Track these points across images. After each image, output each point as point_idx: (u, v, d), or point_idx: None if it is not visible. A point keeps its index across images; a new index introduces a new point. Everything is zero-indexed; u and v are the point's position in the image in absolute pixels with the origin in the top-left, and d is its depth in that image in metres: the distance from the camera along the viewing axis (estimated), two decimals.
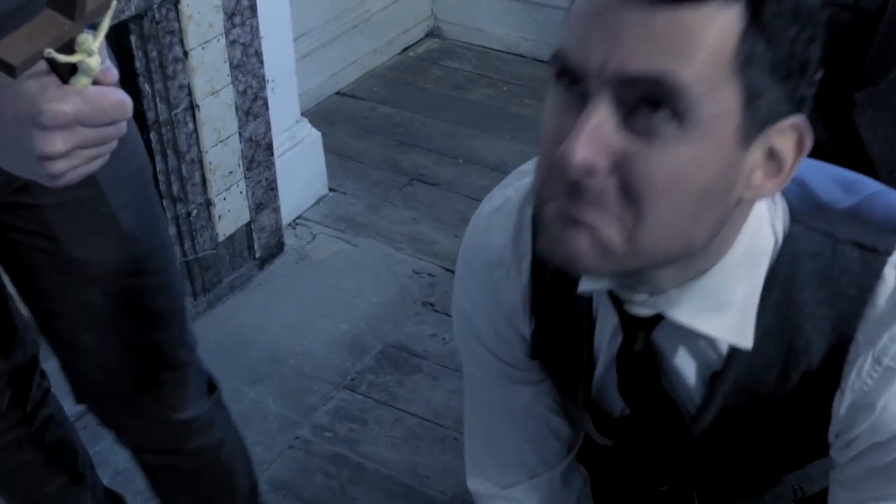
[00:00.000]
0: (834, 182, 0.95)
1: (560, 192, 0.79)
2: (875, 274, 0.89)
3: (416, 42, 3.58)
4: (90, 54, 0.76)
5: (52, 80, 0.78)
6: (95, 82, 0.79)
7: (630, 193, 0.77)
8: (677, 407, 1.02)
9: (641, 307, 0.92)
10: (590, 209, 0.78)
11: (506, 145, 3.00)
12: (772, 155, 0.82)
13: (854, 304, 0.90)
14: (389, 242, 2.62)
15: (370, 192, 2.81)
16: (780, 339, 0.92)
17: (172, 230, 2.20)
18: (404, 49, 3.53)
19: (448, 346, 2.28)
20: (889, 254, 0.89)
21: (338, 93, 3.28)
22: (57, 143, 0.79)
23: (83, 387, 1.40)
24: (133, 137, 1.23)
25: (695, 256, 0.85)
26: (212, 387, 1.51)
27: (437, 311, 2.39)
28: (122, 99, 0.81)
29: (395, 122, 3.13)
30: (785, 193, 0.92)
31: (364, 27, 3.33)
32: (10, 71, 0.73)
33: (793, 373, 0.94)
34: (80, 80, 0.78)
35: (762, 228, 0.90)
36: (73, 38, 0.76)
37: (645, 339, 0.96)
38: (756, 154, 0.81)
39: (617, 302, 0.95)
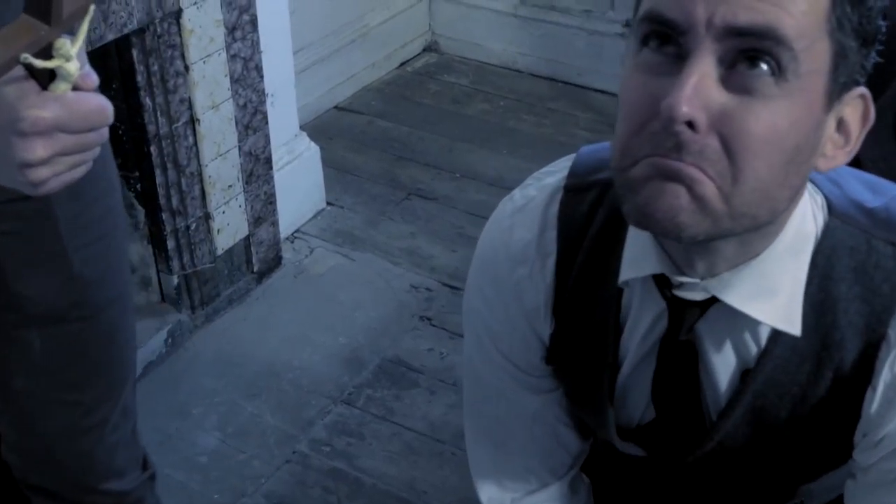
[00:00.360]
0: (861, 183, 0.98)
1: (654, 150, 0.80)
2: None
3: (414, 57, 3.59)
4: (68, 59, 0.76)
5: (32, 85, 0.77)
6: (75, 88, 0.79)
7: (729, 150, 0.79)
8: (702, 411, 1.02)
9: (693, 291, 0.92)
10: (689, 165, 0.79)
11: (503, 160, 3.01)
12: (840, 125, 0.86)
13: (887, 300, 0.92)
14: (387, 257, 2.62)
15: (368, 206, 2.82)
16: (815, 334, 0.94)
17: (171, 244, 2.21)
18: (402, 63, 3.55)
19: (445, 360, 2.29)
20: None
21: (336, 107, 3.29)
22: (37, 149, 0.78)
23: (7, 439, 1.30)
24: (105, 179, 1.18)
25: (759, 232, 0.87)
26: (146, 464, 1.42)
27: (434, 326, 2.40)
28: (102, 104, 0.80)
29: (393, 137, 3.14)
30: (821, 188, 0.95)
31: (362, 42, 3.34)
32: None
33: (825, 369, 0.95)
34: (60, 86, 0.77)
35: (807, 214, 0.92)
36: (50, 44, 0.75)
37: (691, 326, 0.96)
38: (831, 122, 0.85)
39: (663, 286, 0.95)
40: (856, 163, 1.60)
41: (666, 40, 0.81)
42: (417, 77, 3.50)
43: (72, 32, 0.77)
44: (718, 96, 0.78)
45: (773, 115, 0.79)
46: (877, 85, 1.56)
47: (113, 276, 1.23)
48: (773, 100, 0.79)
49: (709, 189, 0.80)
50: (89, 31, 0.78)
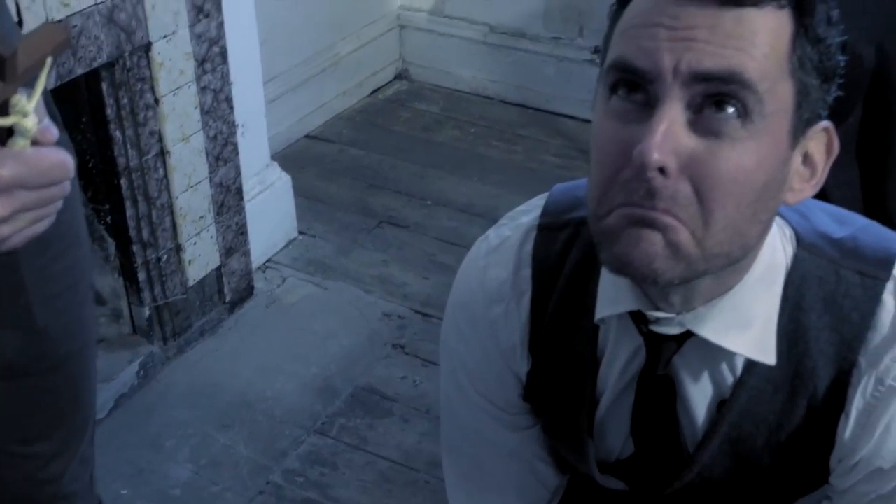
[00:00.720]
0: (828, 215, 1.01)
1: (627, 199, 0.83)
2: (875, 299, 0.94)
3: (385, 84, 3.61)
4: (25, 115, 0.74)
5: None
6: (34, 142, 0.77)
7: (700, 193, 0.82)
8: (681, 444, 1.03)
9: (669, 325, 0.94)
10: (662, 212, 0.82)
11: (473, 186, 3.03)
12: (806, 158, 0.88)
13: (857, 328, 0.94)
14: (359, 285, 2.63)
15: (340, 234, 2.83)
16: (788, 363, 0.96)
17: (142, 276, 2.21)
18: (373, 91, 3.56)
19: (419, 388, 2.29)
20: (887, 280, 0.94)
21: (307, 136, 3.30)
22: None
23: None
24: (72, 230, 1.17)
25: (732, 267, 0.89)
26: None
27: (407, 354, 2.40)
28: (62, 159, 0.78)
29: (364, 165, 3.15)
30: (789, 220, 0.97)
31: (333, 70, 3.36)
32: None
33: (799, 398, 0.97)
34: (18, 142, 0.75)
35: (777, 246, 0.95)
36: (6, 100, 0.74)
37: (668, 360, 0.97)
38: (797, 156, 0.87)
39: (639, 322, 0.97)
40: (821, 190, 1.62)
41: (634, 88, 0.83)
42: (388, 105, 3.52)
43: (29, 85, 0.76)
44: (688, 141, 0.81)
45: (740, 157, 0.81)
46: (838, 113, 1.58)
47: (77, 328, 1.22)
48: (740, 141, 0.81)
49: (682, 235, 0.82)
50: (48, 80, 0.77)
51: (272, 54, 2.97)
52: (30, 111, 0.75)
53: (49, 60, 0.75)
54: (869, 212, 1.62)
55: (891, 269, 0.95)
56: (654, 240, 0.83)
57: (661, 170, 0.80)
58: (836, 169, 1.64)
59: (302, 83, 3.23)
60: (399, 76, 3.66)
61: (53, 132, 0.79)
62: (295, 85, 3.20)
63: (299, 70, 3.22)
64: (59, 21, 1.76)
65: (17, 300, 1.13)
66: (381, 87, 3.60)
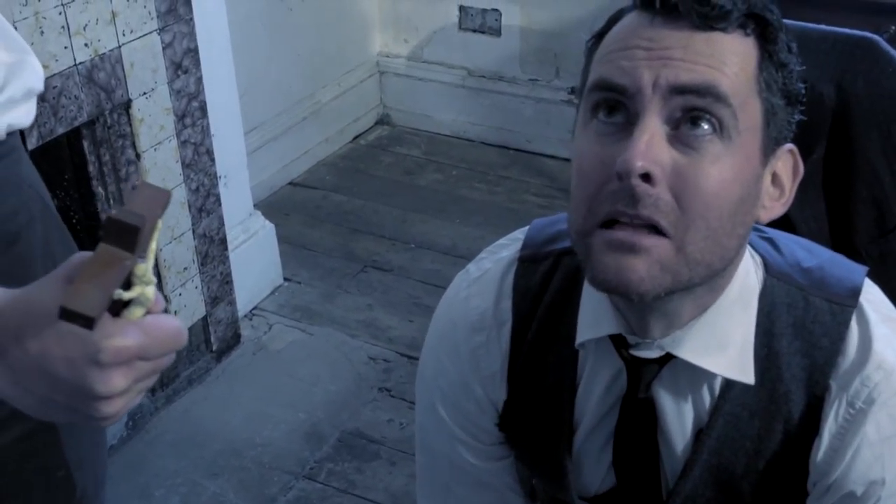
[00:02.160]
0: (797, 245, 1.05)
1: (611, 207, 0.87)
2: (844, 324, 0.98)
3: (367, 130, 3.66)
4: (149, 284, 0.71)
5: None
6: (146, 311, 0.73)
7: (681, 203, 0.86)
8: (661, 475, 1.06)
9: (649, 349, 0.98)
10: (642, 234, 0.86)
11: (456, 229, 3.07)
12: (775, 179, 0.94)
13: (827, 353, 0.98)
14: (345, 330, 2.66)
15: (324, 280, 2.86)
16: (762, 388, 0.99)
17: None
18: (355, 137, 3.61)
19: (405, 430, 2.32)
20: (854, 307, 0.98)
21: (290, 183, 3.34)
22: (118, 380, 0.71)
23: None
24: None
25: (709, 285, 0.93)
26: None
27: (393, 397, 2.43)
28: (179, 328, 0.74)
29: (348, 210, 3.19)
30: (758, 249, 1.02)
31: (315, 118, 3.40)
32: (88, 323, 0.66)
33: (775, 423, 1.00)
34: (136, 312, 0.71)
35: (750, 269, 0.99)
36: (131, 271, 0.70)
37: (649, 383, 1.00)
38: (767, 176, 0.93)
39: (619, 346, 1.00)
40: (788, 222, 1.66)
41: (614, 108, 0.89)
42: (370, 150, 3.56)
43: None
44: (668, 153, 0.86)
45: (720, 172, 0.87)
46: (805, 148, 1.62)
47: (101, 472, 1.26)
48: (719, 158, 0.87)
49: (663, 250, 0.87)
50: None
51: (254, 104, 3.02)
52: (154, 280, 0.72)
53: (160, 225, 0.71)
54: (836, 245, 1.65)
55: (857, 297, 0.99)
56: (637, 264, 0.87)
57: (645, 177, 0.85)
58: (804, 203, 1.68)
59: (284, 131, 3.28)
60: (380, 121, 3.71)
61: (162, 301, 0.76)
62: (277, 133, 3.25)
63: (281, 119, 3.27)
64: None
65: (57, 472, 1.15)
66: (363, 132, 3.64)
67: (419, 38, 3.58)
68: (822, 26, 1.59)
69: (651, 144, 0.85)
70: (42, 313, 0.70)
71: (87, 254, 0.71)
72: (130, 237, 0.68)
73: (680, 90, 0.86)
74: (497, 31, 3.42)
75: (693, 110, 0.87)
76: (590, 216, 0.89)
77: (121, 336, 0.70)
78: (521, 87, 3.44)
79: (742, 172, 0.88)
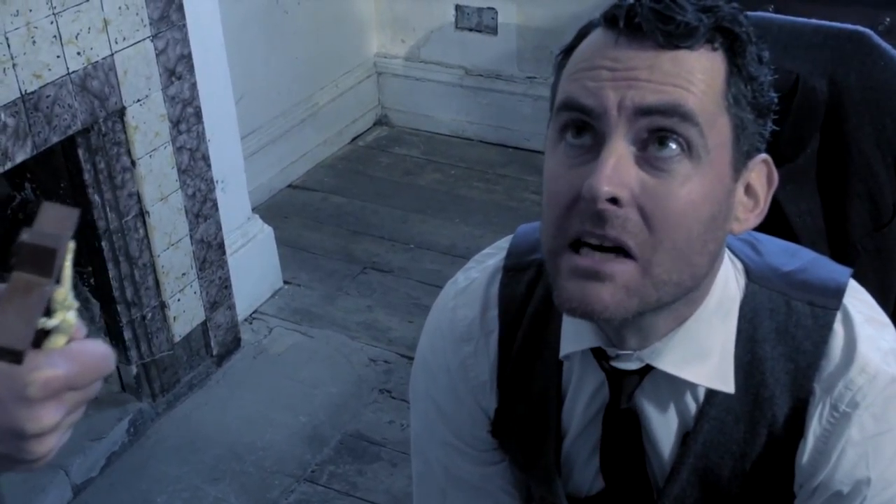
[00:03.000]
0: (779, 248, 1.05)
1: (579, 228, 0.87)
2: (827, 328, 0.97)
3: (365, 131, 3.66)
4: (70, 309, 0.67)
5: None
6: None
7: (649, 223, 0.86)
8: (649, 477, 1.06)
9: (629, 361, 0.98)
10: (607, 261, 0.86)
11: (455, 228, 3.07)
12: (748, 190, 0.93)
13: (810, 357, 0.97)
14: (345, 332, 2.66)
15: (324, 282, 2.86)
16: (746, 394, 0.99)
17: (128, 334, 2.24)
18: (354, 139, 3.61)
19: (406, 432, 2.32)
20: (837, 309, 0.98)
21: (290, 185, 3.35)
22: (49, 415, 0.66)
23: None
24: None
25: (685, 299, 0.93)
26: None
27: (394, 398, 2.43)
28: (106, 351, 0.70)
29: (347, 212, 3.19)
30: (739, 255, 1.01)
31: (313, 120, 3.40)
32: (17, 358, 0.63)
33: (759, 427, 1.00)
34: (58, 340, 0.66)
35: (729, 278, 0.98)
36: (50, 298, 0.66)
37: (631, 393, 1.00)
38: (740, 188, 0.92)
39: (601, 358, 1.00)
40: (782, 217, 1.66)
41: (582, 129, 0.88)
42: (369, 151, 3.56)
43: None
44: (636, 174, 0.85)
45: (688, 192, 0.86)
46: (799, 142, 1.62)
47: None
48: (687, 178, 0.86)
49: (629, 274, 0.86)
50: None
51: (251, 107, 3.02)
52: (74, 304, 0.68)
53: (72, 246, 0.67)
54: (831, 239, 1.65)
55: (840, 299, 0.99)
56: (602, 291, 0.87)
57: (612, 200, 0.84)
58: (798, 198, 1.67)
59: (282, 134, 3.28)
60: (378, 122, 3.71)
61: (83, 326, 0.71)
62: (275, 136, 3.25)
63: (279, 121, 3.27)
64: (33, 92, 1.81)
65: None
66: (361, 133, 3.64)
67: (416, 38, 3.58)
68: (814, 20, 1.59)
69: (618, 167, 0.84)
70: None
71: None
72: (47, 261, 0.64)
73: (646, 111, 0.85)
74: (494, 30, 3.42)
75: (660, 131, 0.85)
76: (559, 236, 0.89)
77: (48, 367, 0.65)
78: (519, 85, 3.44)
79: (712, 190, 0.87)
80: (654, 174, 0.85)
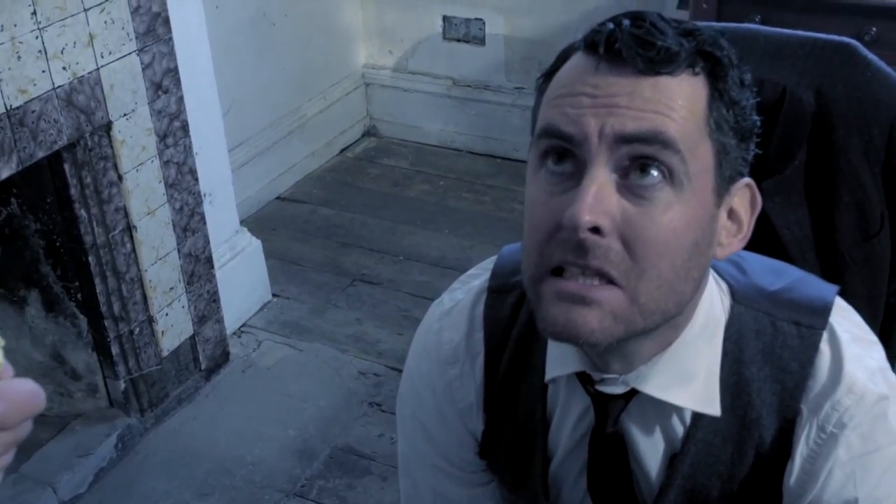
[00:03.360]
0: (764, 267, 1.04)
1: (560, 257, 0.85)
2: (813, 348, 0.97)
3: (354, 142, 3.66)
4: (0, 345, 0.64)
5: None
6: None
7: (632, 252, 0.84)
8: (637, 499, 1.05)
9: (614, 385, 0.97)
10: (592, 286, 0.85)
11: (444, 240, 3.06)
12: (732, 214, 0.92)
13: (797, 377, 0.97)
14: (334, 345, 2.65)
15: (313, 295, 2.85)
16: (733, 415, 0.98)
17: (116, 349, 2.22)
18: (342, 150, 3.61)
19: (396, 445, 2.27)
20: (823, 329, 0.97)
21: (278, 198, 3.34)
22: None
23: None
24: None
25: (670, 324, 0.92)
26: None
27: (383, 411, 2.42)
28: (36, 389, 0.66)
29: (336, 224, 3.19)
30: (724, 276, 1.00)
31: (301, 132, 3.40)
32: None
33: (747, 448, 0.99)
34: None
35: (714, 301, 0.98)
36: None
37: (616, 417, 1.00)
38: (723, 213, 0.91)
39: (586, 383, 0.99)
40: (770, 228, 1.66)
41: (563, 156, 0.87)
42: (358, 162, 3.56)
43: None
44: (618, 203, 0.84)
45: (671, 220, 0.85)
46: (786, 153, 1.62)
47: None
48: (670, 206, 0.85)
49: (615, 300, 0.85)
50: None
51: (239, 120, 3.01)
52: (1, 342, 0.65)
53: None
54: (820, 250, 1.65)
55: (826, 318, 0.98)
56: (588, 316, 0.86)
57: (594, 230, 0.83)
58: (786, 209, 1.67)
59: (270, 146, 3.27)
60: (367, 133, 3.71)
61: (9, 367, 0.67)
62: (263, 148, 3.24)
63: (267, 133, 3.26)
64: (18, 107, 1.80)
65: None
66: (350, 145, 3.64)
67: (404, 48, 3.58)
68: (801, 32, 1.59)
69: (599, 196, 0.83)
70: None
71: None
72: None
73: (627, 139, 0.84)
74: (481, 41, 3.42)
75: (641, 158, 0.84)
76: (541, 263, 0.88)
77: None
78: (507, 96, 3.44)
79: (695, 217, 0.86)
80: (635, 202, 0.84)
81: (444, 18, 3.44)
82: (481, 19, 3.38)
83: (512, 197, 3.28)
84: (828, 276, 1.40)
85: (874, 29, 2.31)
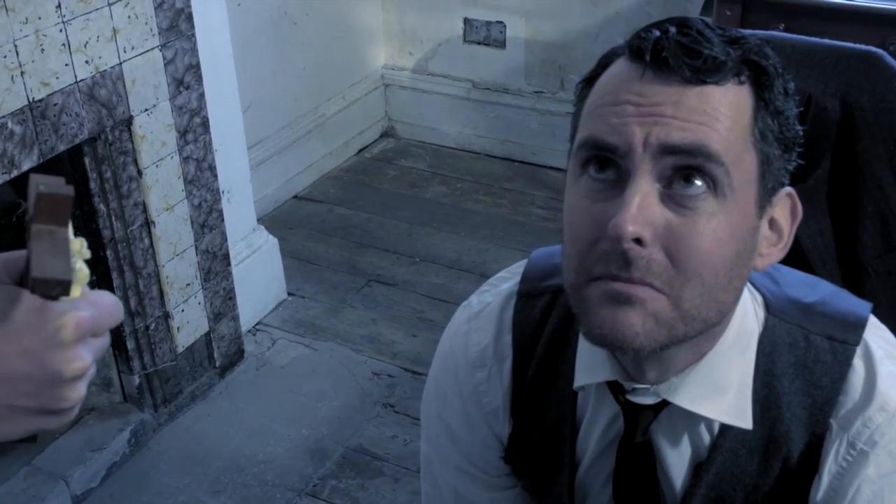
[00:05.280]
0: (799, 281, 1.03)
1: (605, 270, 0.85)
2: (846, 363, 0.96)
3: (372, 143, 3.66)
4: (85, 258, 0.69)
5: (38, 300, 0.67)
6: None
7: (675, 261, 0.84)
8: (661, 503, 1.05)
9: (645, 395, 0.96)
10: (637, 284, 0.84)
11: (461, 242, 3.05)
12: (773, 224, 0.91)
13: (828, 392, 0.96)
14: (349, 345, 2.64)
15: (329, 294, 2.85)
16: (761, 428, 0.97)
17: (131, 344, 2.22)
18: (360, 150, 3.61)
19: (409, 447, 2.30)
20: (857, 344, 0.96)
21: (295, 196, 3.34)
22: (83, 356, 0.68)
23: None
24: None
25: (707, 333, 0.91)
26: None
27: (397, 413, 2.41)
28: (116, 299, 0.72)
29: (353, 224, 3.18)
30: (759, 287, 0.99)
31: (319, 131, 3.40)
32: (66, 288, 0.66)
33: (774, 461, 0.98)
34: (75, 290, 0.68)
35: (748, 312, 0.97)
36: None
37: (646, 428, 0.99)
38: (764, 223, 0.90)
39: (616, 392, 0.99)
40: (794, 238, 1.64)
41: (605, 164, 0.86)
42: (375, 163, 3.56)
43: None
44: (661, 213, 0.83)
45: (714, 230, 0.84)
46: (810, 162, 1.61)
47: None
48: (713, 216, 0.84)
49: (660, 303, 0.84)
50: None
51: (258, 118, 3.02)
52: (88, 254, 0.69)
53: (72, 192, 0.69)
54: (842, 260, 1.64)
55: (860, 333, 0.97)
56: (633, 317, 0.85)
57: (637, 240, 0.83)
58: (809, 219, 1.66)
59: (289, 145, 3.27)
60: (385, 134, 3.71)
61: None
62: (282, 147, 3.24)
63: (286, 132, 3.26)
64: (41, 100, 1.80)
65: None
66: (368, 145, 3.64)
67: (424, 50, 3.57)
68: (827, 40, 1.58)
69: (643, 206, 0.83)
70: None
71: (1, 255, 0.70)
72: (63, 209, 0.67)
73: (671, 150, 0.83)
74: (502, 44, 3.41)
75: (685, 168, 0.84)
76: (582, 272, 0.87)
77: (75, 310, 0.67)
78: (526, 100, 3.43)
79: (737, 228, 0.86)
80: (678, 212, 0.84)
81: (465, 21, 3.44)
82: (502, 22, 3.37)
83: (529, 201, 3.27)
84: (849, 286, 1.39)
85: None
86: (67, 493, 2.13)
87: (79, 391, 0.69)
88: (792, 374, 0.97)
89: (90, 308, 0.68)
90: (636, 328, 0.85)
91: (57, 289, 0.66)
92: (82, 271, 0.68)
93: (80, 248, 0.68)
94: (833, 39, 1.56)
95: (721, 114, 0.84)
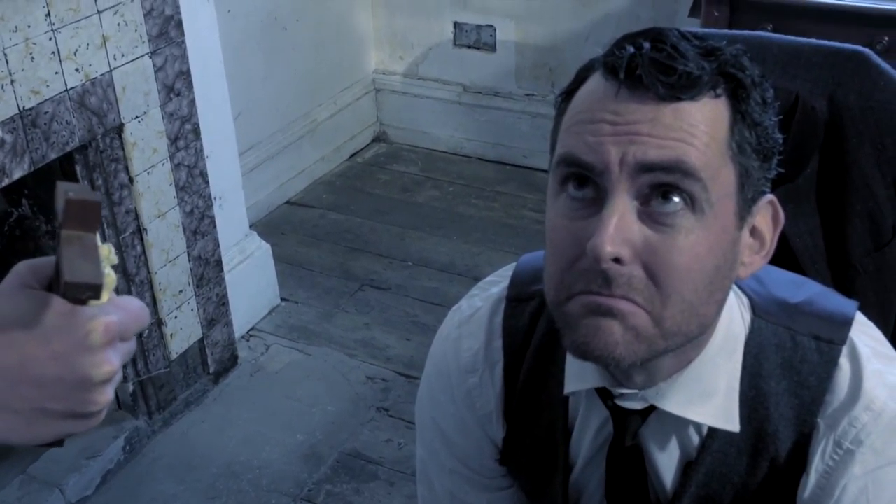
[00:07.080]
0: (785, 280, 1.03)
1: (585, 287, 0.85)
2: (832, 363, 0.96)
3: (364, 147, 3.66)
4: (113, 263, 0.70)
5: (68, 305, 0.68)
6: None
7: (655, 278, 0.84)
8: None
9: (633, 401, 0.97)
10: (619, 298, 0.84)
11: (453, 246, 3.06)
12: (754, 232, 0.91)
13: (815, 392, 0.96)
14: (343, 349, 2.65)
15: (322, 299, 2.85)
16: (749, 428, 0.98)
17: None
18: (352, 155, 3.61)
19: (403, 450, 2.30)
20: (843, 343, 0.97)
21: (287, 202, 3.34)
22: (112, 360, 0.69)
23: None
24: None
25: (691, 343, 0.91)
26: None
27: (391, 417, 2.42)
28: (143, 305, 0.74)
29: (345, 229, 3.19)
30: (745, 289, 1.00)
31: (311, 136, 3.40)
32: (97, 292, 0.67)
33: (762, 460, 0.99)
34: (104, 295, 0.69)
35: (734, 315, 0.97)
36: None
37: (635, 432, 1.00)
38: (745, 233, 0.90)
39: (605, 397, 0.99)
40: (781, 237, 1.65)
41: (583, 182, 0.86)
42: (367, 168, 3.56)
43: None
44: (639, 230, 0.84)
45: (693, 246, 0.84)
46: (798, 162, 1.62)
47: None
48: (691, 232, 0.84)
49: (640, 319, 0.85)
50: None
51: (250, 124, 3.02)
52: (115, 260, 0.71)
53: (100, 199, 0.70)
54: (831, 259, 1.65)
55: (846, 332, 0.98)
56: (613, 328, 0.85)
57: (616, 260, 0.83)
58: (798, 217, 1.67)
59: (280, 150, 3.28)
60: (377, 139, 3.71)
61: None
62: (274, 152, 3.24)
63: (277, 137, 3.26)
64: (31, 108, 1.80)
65: None
66: (360, 150, 3.64)
67: (415, 54, 3.58)
68: (814, 40, 1.59)
69: (620, 226, 0.83)
70: (7, 324, 0.68)
71: (30, 261, 0.71)
72: (92, 215, 0.68)
73: (648, 167, 0.83)
74: (492, 47, 3.42)
75: (662, 186, 0.83)
76: (562, 289, 0.87)
77: (104, 314, 0.69)
78: (517, 103, 3.44)
79: (717, 242, 0.86)
80: (657, 229, 0.84)
81: (455, 25, 3.45)
82: (492, 26, 3.38)
83: (521, 204, 3.27)
84: (838, 285, 1.40)
85: (886, 38, 2.30)
86: (62, 501, 2.13)
87: (107, 395, 0.70)
88: (779, 375, 0.97)
89: (118, 312, 0.70)
90: (616, 337, 0.85)
91: (88, 293, 0.67)
92: (110, 276, 0.69)
93: (107, 253, 0.70)
94: (820, 39, 1.56)
95: (698, 129, 0.84)
